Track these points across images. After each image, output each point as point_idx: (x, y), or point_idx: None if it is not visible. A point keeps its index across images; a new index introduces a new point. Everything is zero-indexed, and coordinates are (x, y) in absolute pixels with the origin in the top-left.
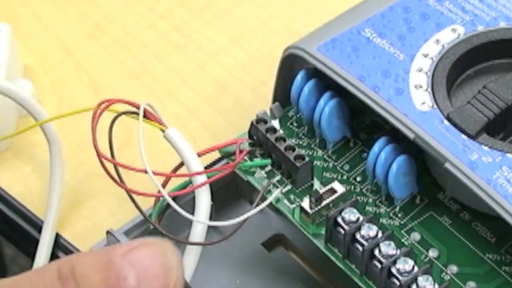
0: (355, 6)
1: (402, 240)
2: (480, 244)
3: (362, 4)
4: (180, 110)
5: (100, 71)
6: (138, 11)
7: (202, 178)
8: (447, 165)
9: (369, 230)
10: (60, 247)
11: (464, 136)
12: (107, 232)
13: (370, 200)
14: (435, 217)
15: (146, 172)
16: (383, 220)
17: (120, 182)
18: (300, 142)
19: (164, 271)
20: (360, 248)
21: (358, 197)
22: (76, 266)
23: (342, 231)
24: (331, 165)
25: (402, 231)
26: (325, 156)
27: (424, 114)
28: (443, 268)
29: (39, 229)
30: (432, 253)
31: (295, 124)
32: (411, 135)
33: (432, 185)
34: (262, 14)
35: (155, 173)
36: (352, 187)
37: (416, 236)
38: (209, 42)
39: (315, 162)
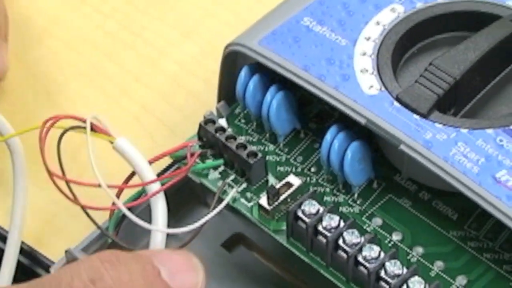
0: None
1: (364, 227)
2: (443, 222)
3: None
4: (136, 108)
5: (51, 76)
6: (84, 12)
7: (156, 186)
8: (402, 147)
9: (331, 221)
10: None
11: (416, 116)
12: (66, 251)
13: (328, 190)
14: (395, 200)
15: (99, 185)
16: (343, 209)
17: (74, 199)
18: (251, 139)
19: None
20: (324, 239)
21: (315, 188)
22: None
23: (304, 225)
24: (284, 158)
25: (363, 218)
26: (277, 150)
27: (373, 97)
28: (409, 251)
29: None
30: (396, 237)
31: (243, 121)
32: (362, 121)
33: (388, 168)
34: (209, 5)
35: (109, 186)
36: (308, 178)
37: (377, 221)
38: (159, 37)
39: (267, 157)
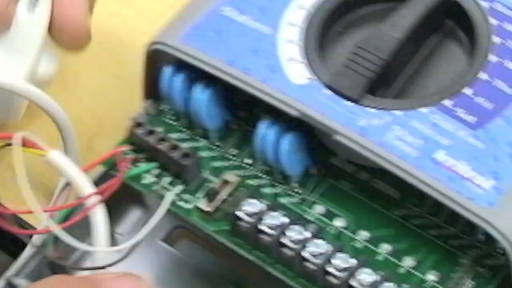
0: None
1: (307, 217)
2: (385, 202)
3: None
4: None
5: None
6: None
7: (94, 198)
8: (337, 137)
9: (273, 219)
10: None
11: (348, 103)
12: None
13: (266, 182)
14: (335, 184)
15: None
16: (283, 200)
17: (7, 225)
18: (182, 136)
19: None
20: (268, 238)
21: (252, 181)
22: None
23: (246, 225)
24: (217, 153)
25: (304, 207)
26: (210, 145)
27: (303, 87)
28: (354, 236)
29: None
30: (340, 223)
31: (173, 118)
32: (293, 113)
33: (325, 151)
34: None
35: (45, 210)
36: (244, 171)
37: (319, 209)
38: None
39: (201, 153)
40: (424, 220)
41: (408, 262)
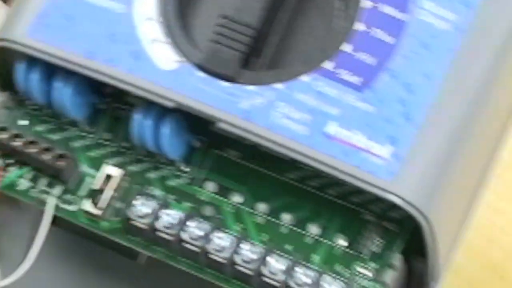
0: None
1: (200, 197)
2: (277, 167)
3: None
4: None
5: None
6: None
7: None
8: (220, 124)
9: (168, 217)
10: None
11: (224, 83)
12: None
13: (149, 165)
14: (221, 154)
15: None
16: (171, 182)
17: None
18: (49, 127)
19: None
20: (167, 236)
21: (135, 167)
22: None
23: (141, 226)
24: (91, 141)
25: (195, 187)
26: (81, 133)
27: (173, 73)
28: (254, 212)
29: None
30: (236, 199)
31: (36, 108)
32: (168, 104)
33: (204, 122)
34: None
35: None
36: (124, 157)
37: (211, 186)
38: None
39: (73, 144)
40: (320, 180)
41: (313, 230)
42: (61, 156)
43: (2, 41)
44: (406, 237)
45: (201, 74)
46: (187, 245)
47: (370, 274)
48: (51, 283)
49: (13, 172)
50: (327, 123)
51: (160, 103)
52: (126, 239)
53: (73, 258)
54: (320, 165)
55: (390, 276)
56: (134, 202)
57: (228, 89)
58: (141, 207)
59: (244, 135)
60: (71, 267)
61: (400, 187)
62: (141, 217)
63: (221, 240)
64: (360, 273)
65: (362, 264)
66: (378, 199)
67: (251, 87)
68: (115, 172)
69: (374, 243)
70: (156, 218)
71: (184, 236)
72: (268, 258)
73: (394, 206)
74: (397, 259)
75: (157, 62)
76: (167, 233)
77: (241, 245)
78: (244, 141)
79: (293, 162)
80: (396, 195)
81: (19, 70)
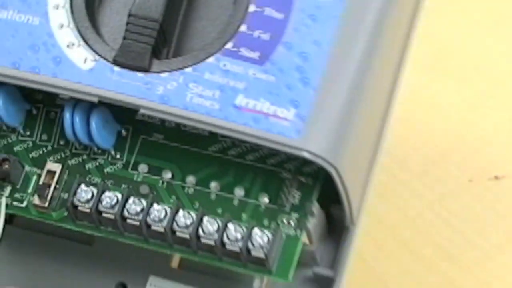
0: None
1: (136, 179)
2: (200, 142)
3: None
4: None
5: None
6: None
7: None
8: (142, 110)
9: (108, 199)
10: None
11: (139, 74)
12: None
13: (85, 157)
14: (148, 139)
15: None
16: (108, 169)
17: None
18: None
19: None
20: (110, 216)
21: (74, 160)
22: None
23: (86, 210)
24: (30, 143)
25: (130, 170)
26: (20, 138)
27: (93, 70)
28: (183, 184)
29: None
30: (166, 175)
31: None
32: (92, 99)
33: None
34: None
35: None
36: (62, 154)
37: (144, 167)
38: None
39: (15, 148)
40: (238, 148)
41: (238, 192)
42: (4, 160)
43: None
44: (319, 188)
45: (118, 68)
46: (129, 221)
47: (292, 224)
48: (12, 277)
49: None
50: (236, 96)
51: (85, 99)
52: (75, 224)
53: (30, 252)
54: (234, 133)
55: (310, 223)
56: (76, 190)
57: (143, 79)
58: (83, 194)
59: (164, 117)
60: (29, 261)
61: (307, 143)
62: (84, 202)
63: (159, 212)
64: (284, 223)
65: (285, 216)
66: (290, 158)
67: (164, 74)
68: (55, 167)
69: (293, 197)
70: (99, 201)
71: (125, 213)
72: (203, 222)
73: (305, 162)
74: (315, 208)
75: (76, 64)
76: (110, 213)
77: (177, 214)
78: (165, 123)
79: (212, 135)
80: (305, 150)
81: None
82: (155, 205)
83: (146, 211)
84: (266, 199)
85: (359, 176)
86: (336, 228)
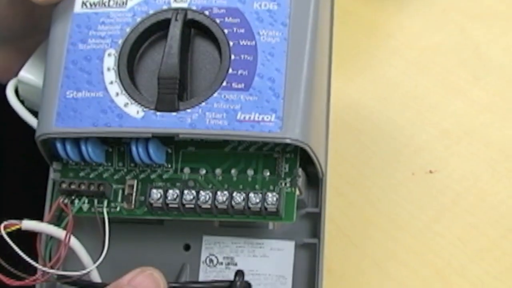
0: None
1: (185, 178)
2: (218, 145)
3: None
4: None
5: None
6: None
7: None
8: (181, 136)
9: (171, 195)
10: None
11: (173, 113)
12: None
13: (149, 171)
14: (185, 151)
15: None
16: (164, 176)
17: None
18: (86, 172)
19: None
20: (176, 205)
21: (143, 175)
22: None
23: (159, 205)
24: (112, 170)
25: (179, 174)
26: (105, 168)
27: (144, 118)
28: (215, 176)
29: None
30: (203, 172)
31: (73, 165)
32: (150, 135)
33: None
34: None
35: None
36: (134, 172)
37: (187, 170)
38: None
39: (103, 175)
40: (244, 145)
41: (249, 172)
42: (100, 184)
43: (44, 135)
44: (299, 158)
45: (159, 113)
46: (187, 205)
47: (288, 185)
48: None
49: (75, 203)
50: (236, 114)
51: (144, 136)
52: (152, 215)
53: (124, 235)
54: (241, 137)
55: (299, 182)
56: (150, 193)
57: (176, 116)
58: (154, 195)
59: (195, 137)
60: (124, 240)
61: (287, 133)
62: (156, 200)
63: (204, 197)
64: (283, 186)
65: (282, 181)
66: (277, 144)
67: (188, 110)
68: (132, 182)
69: (284, 168)
70: (165, 197)
71: (183, 201)
72: (233, 196)
73: (287, 145)
74: (299, 172)
75: (132, 115)
76: (174, 203)
77: (216, 195)
78: (196, 138)
79: (225, 140)
80: (287, 138)
81: (59, 148)
82: (201, 192)
83: (196, 198)
84: (268, 173)
85: (322, 143)
86: (313, 180)
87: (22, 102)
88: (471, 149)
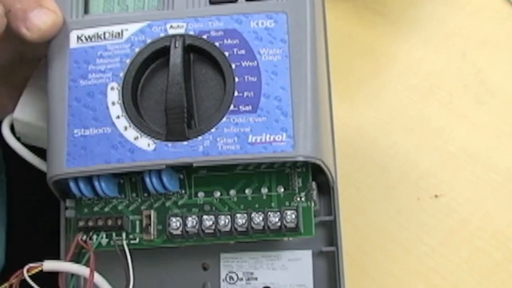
0: None
1: (200, 203)
2: (228, 167)
3: None
4: None
5: None
6: None
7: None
8: (195, 164)
9: (190, 223)
10: None
11: (185, 142)
12: None
13: (164, 200)
14: (198, 176)
15: None
16: (181, 202)
17: None
18: (100, 206)
19: None
20: (195, 231)
21: (158, 203)
22: None
23: (179, 233)
24: (126, 202)
25: (193, 199)
26: (119, 200)
27: (155, 150)
28: (230, 197)
29: None
30: (218, 195)
31: (87, 201)
32: (162, 167)
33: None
34: None
35: None
36: (150, 202)
37: (201, 194)
38: None
39: (118, 207)
40: (260, 164)
41: (263, 191)
42: (118, 218)
43: (55, 176)
44: (310, 172)
45: (170, 143)
46: (207, 231)
47: (304, 199)
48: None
49: (94, 238)
50: (247, 137)
51: (157, 168)
52: (172, 242)
53: (144, 260)
54: (255, 160)
55: (313, 195)
56: (169, 222)
57: (188, 145)
58: (173, 224)
59: (209, 164)
60: (145, 264)
61: (299, 151)
62: (176, 229)
63: (223, 221)
64: (298, 201)
65: (297, 196)
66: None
67: (199, 137)
68: (148, 212)
69: (297, 182)
70: (185, 225)
71: (203, 227)
72: (252, 217)
73: (299, 161)
74: (312, 185)
75: (144, 148)
76: (193, 231)
77: (236, 217)
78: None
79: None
80: (300, 156)
81: (72, 187)
82: (220, 216)
83: (215, 222)
84: (282, 189)
85: (330, 153)
86: (322, 188)
87: (18, 138)
88: (476, 173)
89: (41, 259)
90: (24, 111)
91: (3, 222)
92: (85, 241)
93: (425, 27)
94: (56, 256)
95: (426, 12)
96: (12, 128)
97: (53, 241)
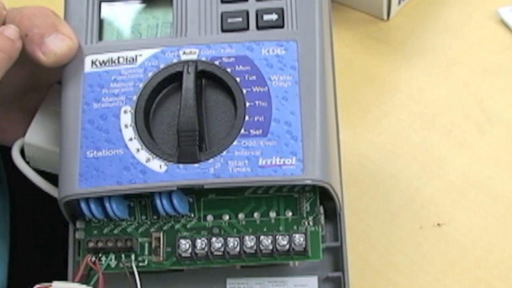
0: None
1: (209, 226)
2: (237, 190)
3: None
4: None
5: None
6: None
7: None
8: (205, 186)
9: (199, 245)
10: None
11: (196, 165)
12: None
13: (173, 222)
14: (207, 199)
15: None
16: (189, 225)
17: None
18: (109, 228)
19: None
20: (204, 253)
21: (167, 226)
22: None
23: (188, 255)
24: (136, 224)
25: (202, 222)
26: (128, 223)
27: (167, 171)
28: (238, 221)
29: None
30: (226, 218)
31: (95, 222)
32: (174, 188)
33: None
34: None
35: None
36: (159, 224)
37: (210, 217)
38: None
39: (128, 229)
40: (263, 187)
41: (272, 215)
42: (127, 239)
43: (66, 198)
44: (318, 196)
45: (181, 165)
46: (216, 253)
47: (311, 223)
48: None
49: (103, 260)
50: (258, 160)
51: (168, 189)
52: (180, 265)
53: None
54: (266, 183)
55: (321, 219)
56: (178, 245)
57: (199, 167)
58: (183, 246)
59: (220, 186)
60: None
61: (308, 175)
62: (185, 251)
63: (232, 243)
64: (306, 225)
65: (305, 220)
66: (296, 184)
67: (210, 160)
68: (158, 234)
69: (305, 207)
70: (194, 247)
71: (212, 249)
72: (260, 240)
73: (308, 184)
74: (320, 209)
75: (155, 170)
76: (203, 253)
77: (244, 239)
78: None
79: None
80: (309, 179)
81: (83, 207)
82: (229, 239)
83: (224, 244)
84: (290, 213)
85: (338, 178)
86: (330, 214)
87: (27, 162)
88: (478, 202)
89: (43, 279)
90: (35, 136)
91: (6, 243)
92: (94, 263)
93: (427, 56)
94: (58, 277)
95: (428, 40)
96: (22, 152)
97: (56, 262)
